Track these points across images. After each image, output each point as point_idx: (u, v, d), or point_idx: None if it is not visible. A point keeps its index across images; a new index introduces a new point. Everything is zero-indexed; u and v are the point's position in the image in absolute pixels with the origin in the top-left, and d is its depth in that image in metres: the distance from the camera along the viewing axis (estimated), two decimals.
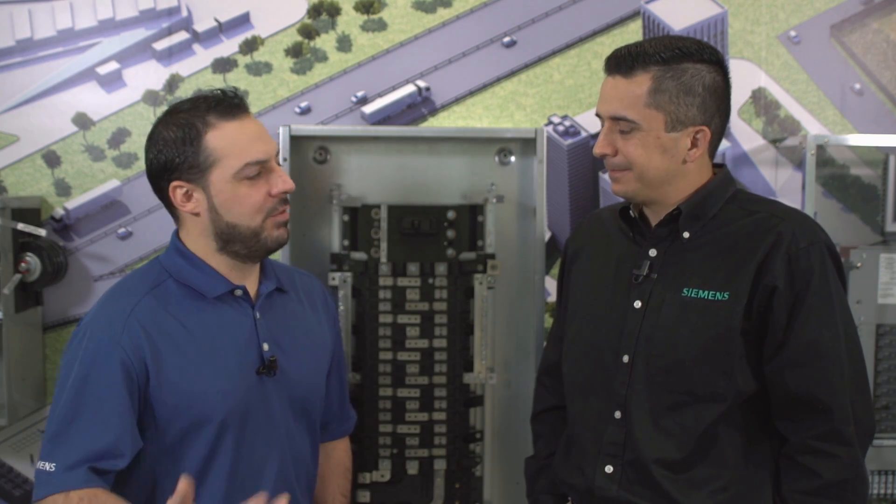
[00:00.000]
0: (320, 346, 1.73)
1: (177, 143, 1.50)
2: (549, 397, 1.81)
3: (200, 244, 1.56)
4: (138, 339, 1.48)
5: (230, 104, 1.53)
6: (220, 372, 1.53)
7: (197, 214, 1.53)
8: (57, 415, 1.47)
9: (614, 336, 1.58)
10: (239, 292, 1.58)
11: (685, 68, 1.50)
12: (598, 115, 1.57)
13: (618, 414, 1.57)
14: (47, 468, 1.43)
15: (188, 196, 1.52)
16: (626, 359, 1.56)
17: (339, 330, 1.83)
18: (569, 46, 2.41)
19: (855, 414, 1.47)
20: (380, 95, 2.40)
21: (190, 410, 1.51)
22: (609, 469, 1.57)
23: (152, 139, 1.54)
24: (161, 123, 1.54)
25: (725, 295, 1.49)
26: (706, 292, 1.51)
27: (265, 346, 1.58)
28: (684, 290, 1.53)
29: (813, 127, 2.43)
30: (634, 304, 1.57)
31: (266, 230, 1.54)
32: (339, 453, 1.88)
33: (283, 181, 1.54)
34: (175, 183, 1.51)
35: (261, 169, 1.52)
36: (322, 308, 1.77)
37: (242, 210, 1.52)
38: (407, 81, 2.40)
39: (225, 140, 1.50)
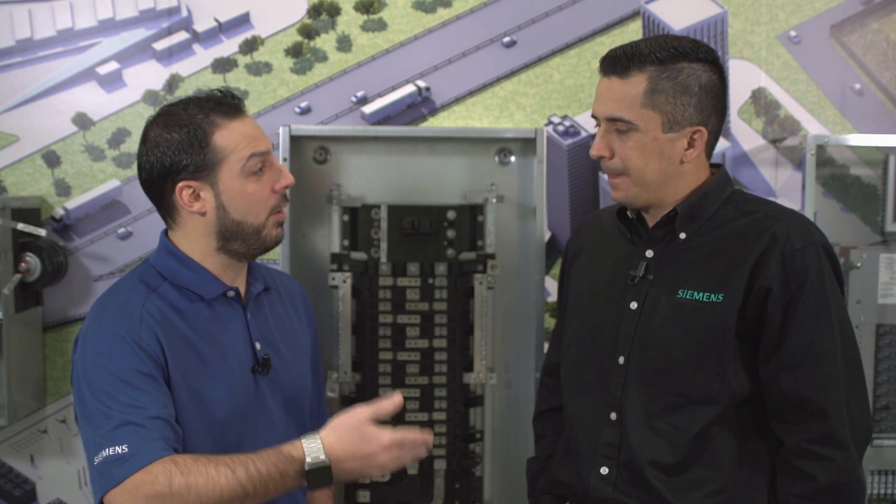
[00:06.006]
0: (303, 346, 1.74)
1: (183, 144, 1.50)
2: (552, 398, 1.81)
3: (198, 245, 1.57)
4: (155, 334, 1.48)
5: (231, 105, 1.55)
6: (223, 372, 1.54)
7: (203, 214, 1.54)
8: (105, 414, 1.40)
9: (610, 337, 1.58)
10: (231, 293, 1.59)
11: (681, 68, 1.49)
12: (593, 115, 1.57)
13: (613, 415, 1.56)
14: (119, 451, 1.35)
15: (196, 196, 1.53)
16: (621, 360, 1.56)
17: (315, 330, 1.83)
18: (569, 46, 2.41)
19: (851, 417, 1.46)
20: (380, 95, 2.40)
21: (198, 411, 1.51)
22: (604, 470, 1.56)
23: (151, 142, 1.53)
24: (158, 126, 1.53)
25: (720, 297, 1.49)
26: (701, 294, 1.50)
27: (258, 345, 1.60)
28: (679, 292, 1.52)
29: (813, 127, 2.43)
30: (630, 306, 1.56)
31: (267, 228, 1.57)
32: None
33: (284, 176, 1.58)
34: (182, 183, 1.52)
35: (263, 163, 1.55)
36: (302, 308, 1.79)
37: (249, 207, 1.54)
38: (407, 81, 2.40)
39: (231, 138, 1.52)
